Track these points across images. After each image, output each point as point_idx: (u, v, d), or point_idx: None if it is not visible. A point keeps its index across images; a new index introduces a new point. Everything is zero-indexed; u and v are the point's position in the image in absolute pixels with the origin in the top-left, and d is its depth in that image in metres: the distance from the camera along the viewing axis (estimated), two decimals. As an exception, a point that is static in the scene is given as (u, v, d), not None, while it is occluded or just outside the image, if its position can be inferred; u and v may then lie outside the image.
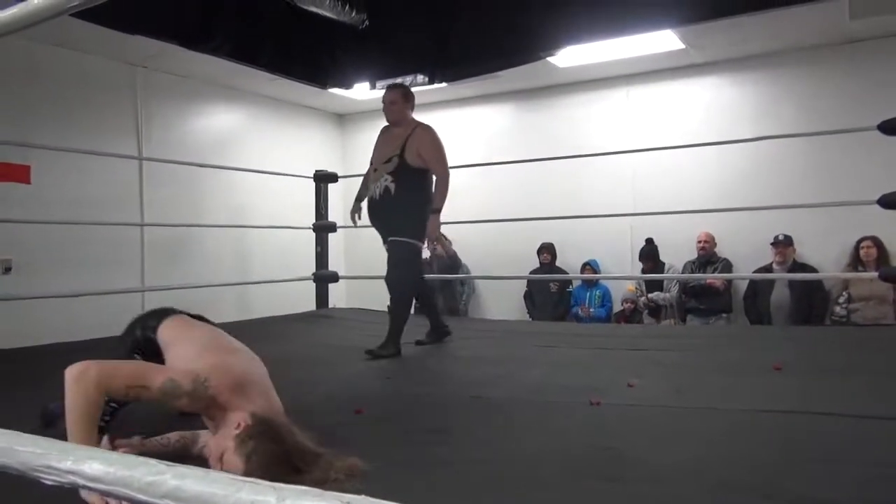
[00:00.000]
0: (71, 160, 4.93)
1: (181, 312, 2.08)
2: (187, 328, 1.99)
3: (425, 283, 4.15)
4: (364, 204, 4.02)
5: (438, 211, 3.81)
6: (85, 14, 4.37)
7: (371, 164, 3.96)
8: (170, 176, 5.73)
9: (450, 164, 3.85)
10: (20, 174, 4.77)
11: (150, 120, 5.86)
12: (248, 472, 1.43)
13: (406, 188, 3.72)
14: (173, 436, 1.75)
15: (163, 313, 2.04)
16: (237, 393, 1.63)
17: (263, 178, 5.93)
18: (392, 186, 3.71)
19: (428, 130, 3.86)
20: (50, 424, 1.94)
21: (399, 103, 3.90)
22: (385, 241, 3.86)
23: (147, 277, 5.65)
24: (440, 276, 6.36)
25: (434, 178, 3.82)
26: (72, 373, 1.49)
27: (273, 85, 6.22)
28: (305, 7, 5.23)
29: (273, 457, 1.45)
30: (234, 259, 6.44)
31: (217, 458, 1.50)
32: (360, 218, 4.13)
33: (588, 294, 6.45)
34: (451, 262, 6.68)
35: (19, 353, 3.71)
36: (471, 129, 7.30)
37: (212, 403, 1.60)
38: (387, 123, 4.03)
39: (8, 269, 4.80)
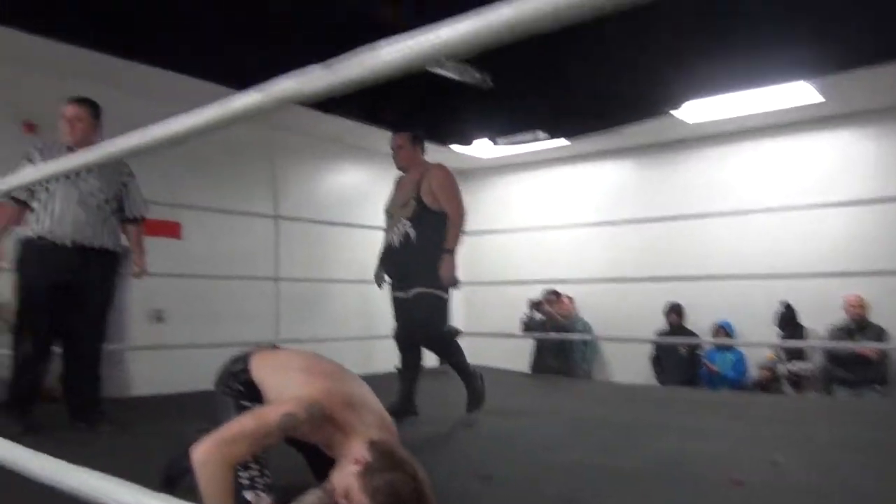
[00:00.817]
0: (215, 218, 5.31)
1: (258, 349, 2.07)
2: (277, 358, 1.99)
3: (419, 351, 3.69)
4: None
5: (451, 252, 3.50)
6: (204, 74, 4.74)
7: (386, 212, 3.79)
8: (302, 232, 6.04)
9: (569, 221, 3.75)
10: (172, 230, 5.19)
11: (285, 179, 6.24)
12: None
13: (427, 233, 3.49)
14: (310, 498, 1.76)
15: (243, 356, 2.02)
16: (351, 410, 1.66)
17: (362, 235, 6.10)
18: (412, 232, 3.50)
19: (441, 169, 3.67)
20: (173, 482, 1.96)
21: (406, 147, 3.73)
22: (398, 289, 3.63)
23: (281, 329, 5.91)
24: (560, 335, 6.23)
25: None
26: (198, 458, 1.51)
27: (397, 144, 6.48)
28: (431, 70, 5.46)
29: (401, 490, 1.47)
30: (359, 313, 6.62)
31: (342, 496, 1.51)
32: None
33: (721, 358, 6.08)
34: (567, 323, 6.54)
35: (160, 400, 3.96)
36: (591, 184, 7.20)
37: (329, 426, 1.62)
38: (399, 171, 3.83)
39: (160, 319, 5.18)
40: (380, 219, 5.59)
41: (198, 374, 4.41)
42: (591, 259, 6.61)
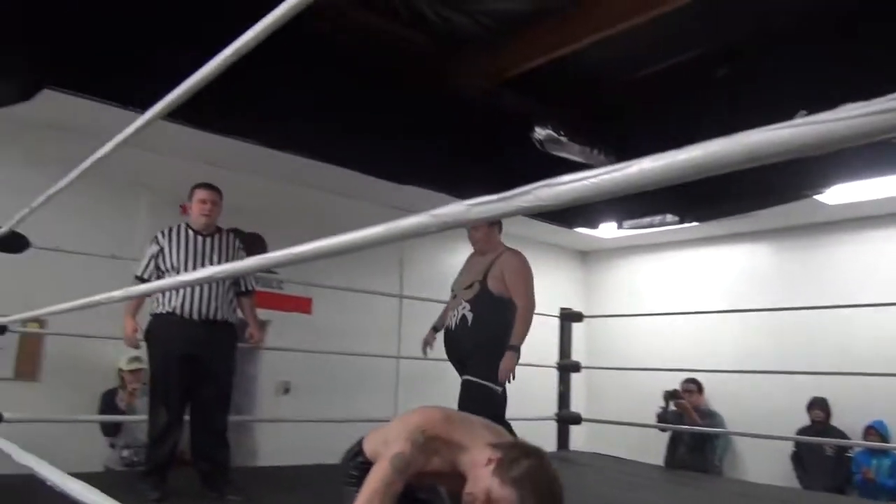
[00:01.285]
0: (342, 295, 5.51)
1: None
2: (382, 427, 1.98)
3: None
4: (441, 334, 3.67)
5: (516, 348, 3.35)
6: (356, 166, 5.06)
7: (452, 290, 3.68)
8: (424, 311, 6.13)
9: (697, 306, 3.57)
10: (303, 306, 5.44)
11: (410, 259, 6.42)
12: (522, 500, 1.47)
13: (485, 318, 3.36)
14: None
15: (358, 440, 2.02)
16: (456, 425, 1.68)
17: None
18: (469, 315, 3.37)
19: (516, 255, 3.54)
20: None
21: (483, 228, 3.58)
22: (459, 373, 3.51)
23: (399, 405, 5.96)
24: (689, 427, 5.87)
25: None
26: None
27: (519, 223, 6.51)
28: (555, 153, 5.51)
29: (541, 475, 1.51)
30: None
31: (485, 501, 1.50)
32: (431, 349, 3.81)
33: (874, 462, 5.48)
34: (706, 414, 6.14)
35: (286, 471, 4.05)
36: (722, 268, 6.90)
37: (443, 447, 1.62)
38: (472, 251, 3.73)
39: (287, 391, 5.38)
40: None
41: (321, 446, 4.52)
42: (722, 347, 6.27)
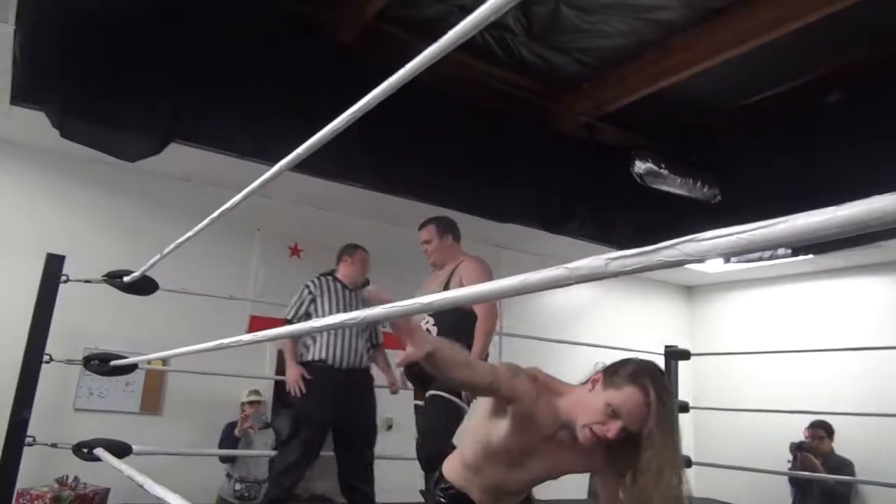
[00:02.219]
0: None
1: None
2: (459, 449, 1.95)
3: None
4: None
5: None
6: (463, 207, 5.13)
7: None
8: (526, 348, 6.09)
9: (817, 345, 3.31)
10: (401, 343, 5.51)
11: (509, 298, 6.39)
12: (644, 388, 1.51)
13: (449, 331, 3.06)
14: None
15: (437, 471, 2.00)
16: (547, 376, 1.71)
17: (613, 353, 5.94)
18: (434, 330, 3.17)
19: (475, 261, 3.34)
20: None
21: (434, 240, 3.43)
22: (417, 397, 3.33)
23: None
24: (812, 474, 5.48)
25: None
26: None
27: (624, 261, 6.39)
28: (657, 187, 5.40)
29: (649, 365, 1.57)
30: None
31: (607, 417, 1.53)
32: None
33: None
34: (836, 461, 5.72)
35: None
36: (842, 304, 6.47)
37: (544, 390, 1.65)
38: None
39: (390, 427, 5.44)
40: (605, 335, 5.38)
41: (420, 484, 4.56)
42: (853, 388, 5.84)
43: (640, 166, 5.36)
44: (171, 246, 2.63)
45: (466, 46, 4.50)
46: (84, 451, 3.14)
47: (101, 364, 3.28)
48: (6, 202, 4.47)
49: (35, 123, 4.04)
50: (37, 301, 3.46)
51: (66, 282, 3.47)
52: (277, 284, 5.12)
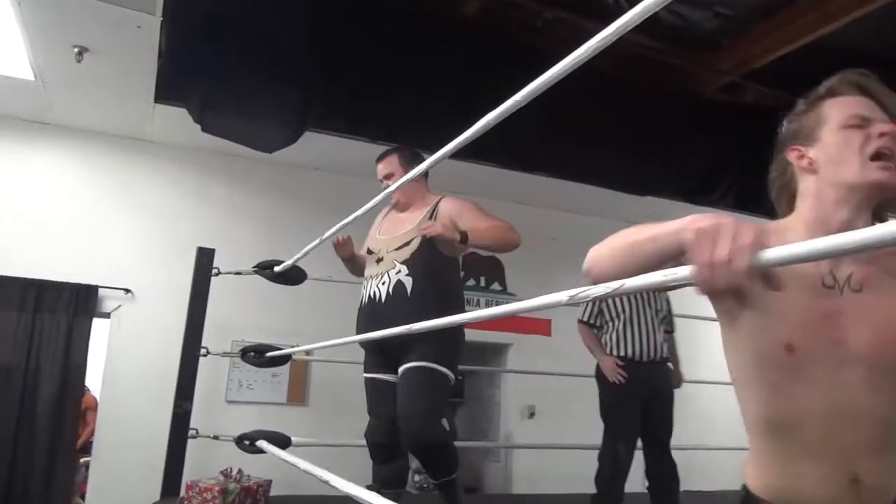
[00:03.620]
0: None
1: None
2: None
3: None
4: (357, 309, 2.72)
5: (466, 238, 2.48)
6: (598, 181, 4.86)
7: (368, 251, 2.74)
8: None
9: None
10: (542, 328, 5.31)
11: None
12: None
13: (431, 285, 2.52)
14: None
15: (741, 489, 1.31)
16: None
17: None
18: (408, 281, 2.53)
19: (458, 198, 2.74)
20: None
21: (398, 175, 2.70)
22: (377, 369, 2.65)
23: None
24: None
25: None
26: None
27: (771, 231, 5.90)
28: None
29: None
30: (728, 421, 5.99)
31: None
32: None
33: None
34: None
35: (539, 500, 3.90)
36: None
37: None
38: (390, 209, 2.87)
39: (532, 415, 5.26)
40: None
41: (573, 473, 4.35)
42: None
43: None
44: (328, 233, 2.53)
45: (593, 11, 4.20)
46: (246, 442, 3.13)
47: (256, 356, 3.26)
48: (152, 200, 4.59)
49: (175, 122, 4.13)
50: (191, 294, 3.51)
51: (217, 274, 3.50)
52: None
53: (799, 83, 4.30)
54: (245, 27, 3.44)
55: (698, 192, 4.98)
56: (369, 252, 2.72)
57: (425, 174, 2.70)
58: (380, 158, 2.85)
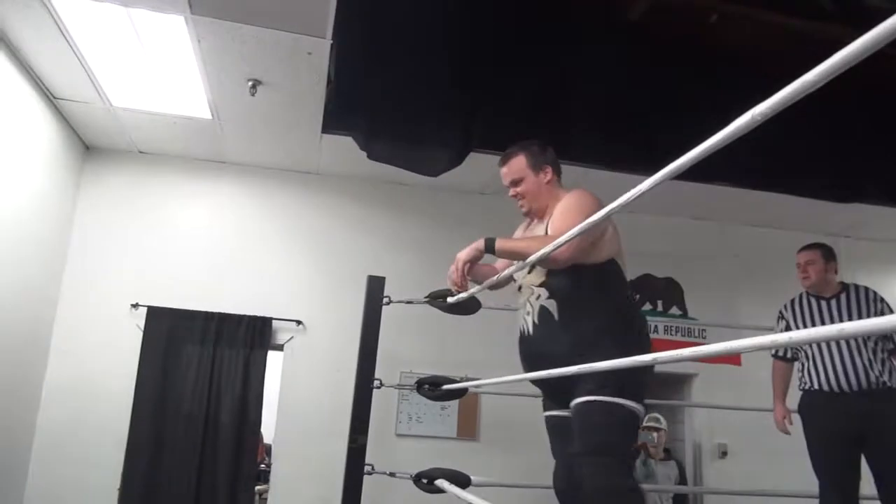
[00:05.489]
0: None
1: None
2: None
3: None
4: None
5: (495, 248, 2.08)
6: (794, 190, 4.30)
7: (514, 281, 2.31)
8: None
9: None
10: (732, 358, 4.75)
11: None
12: None
13: (581, 302, 2.08)
14: None
15: None
16: None
17: None
18: (551, 305, 2.11)
19: (571, 193, 2.16)
20: None
21: (528, 178, 2.24)
22: (552, 405, 2.25)
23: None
24: None
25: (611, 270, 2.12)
26: None
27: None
28: None
29: None
30: None
31: None
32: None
33: None
34: None
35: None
36: None
37: None
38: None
39: (724, 454, 4.71)
40: None
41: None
42: None
43: None
44: (527, 261, 2.15)
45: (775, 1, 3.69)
46: (424, 481, 2.95)
47: (432, 388, 3.08)
48: (319, 232, 4.63)
49: (340, 152, 4.13)
50: (363, 324, 3.41)
51: (388, 304, 3.38)
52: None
53: None
54: (407, 49, 3.36)
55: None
56: (513, 280, 2.33)
57: (557, 171, 2.30)
58: (502, 161, 2.33)
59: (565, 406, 2.13)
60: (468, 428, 4.40)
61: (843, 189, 4.25)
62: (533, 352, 2.20)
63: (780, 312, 3.27)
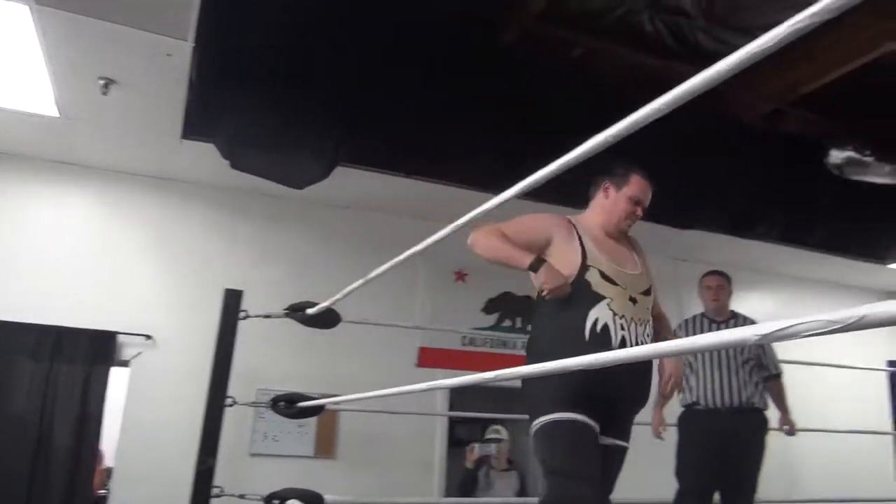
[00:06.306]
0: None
1: None
2: None
3: None
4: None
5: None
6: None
7: (614, 283, 2.15)
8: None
9: None
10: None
11: (689, 309, 5.75)
12: None
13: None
14: None
15: None
16: None
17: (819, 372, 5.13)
18: (649, 342, 2.16)
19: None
20: None
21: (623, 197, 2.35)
22: (614, 434, 2.17)
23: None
24: None
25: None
26: None
27: (817, 265, 5.61)
28: (856, 177, 4.66)
29: None
30: (779, 468, 5.61)
31: None
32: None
33: None
34: None
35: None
36: None
37: None
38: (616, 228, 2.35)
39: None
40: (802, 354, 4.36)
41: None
42: None
43: (836, 156, 4.65)
44: (372, 274, 2.34)
45: (634, 40, 4.04)
46: (275, 502, 2.87)
47: (288, 406, 3.01)
48: (177, 241, 4.41)
49: (202, 160, 3.97)
50: (217, 339, 3.28)
51: (245, 318, 3.27)
52: (444, 312, 4.78)
53: (846, 109, 4.12)
54: (276, 56, 3.30)
55: (743, 226, 4.75)
56: (605, 277, 2.14)
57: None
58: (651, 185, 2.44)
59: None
60: (327, 446, 4.33)
61: (680, 216, 4.62)
62: (638, 383, 2.16)
63: (675, 331, 3.42)
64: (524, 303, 5.02)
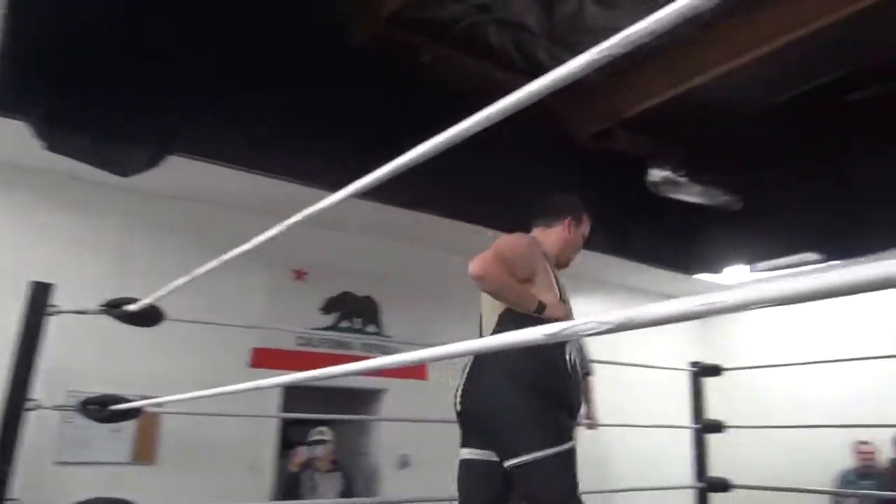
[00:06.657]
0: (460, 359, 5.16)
1: None
2: None
3: None
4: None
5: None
6: (466, 219, 4.78)
7: (562, 300, 2.34)
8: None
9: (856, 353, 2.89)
10: (418, 372, 5.10)
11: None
12: None
13: None
14: None
15: None
16: None
17: (636, 370, 5.55)
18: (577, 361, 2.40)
19: None
20: None
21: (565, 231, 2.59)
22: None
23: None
24: (872, 493, 5.18)
25: None
26: None
27: (638, 275, 6.11)
28: (671, 195, 5.14)
29: None
30: (593, 464, 6.03)
31: None
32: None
33: None
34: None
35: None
36: (885, 312, 6.04)
37: None
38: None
39: (405, 465, 4.99)
40: (624, 358, 4.73)
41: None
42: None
43: (655, 175, 5.10)
44: (201, 270, 2.21)
45: (480, 51, 4.19)
46: (81, 514, 2.64)
47: (100, 409, 2.78)
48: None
49: (8, 138, 3.58)
50: (20, 337, 2.96)
51: (54, 313, 2.98)
52: (282, 311, 4.66)
53: (665, 132, 4.53)
54: (104, 28, 3.05)
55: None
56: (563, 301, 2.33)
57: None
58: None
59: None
60: (145, 451, 4.06)
61: (506, 223, 4.82)
62: (574, 391, 2.32)
63: None
64: (364, 303, 5.03)
